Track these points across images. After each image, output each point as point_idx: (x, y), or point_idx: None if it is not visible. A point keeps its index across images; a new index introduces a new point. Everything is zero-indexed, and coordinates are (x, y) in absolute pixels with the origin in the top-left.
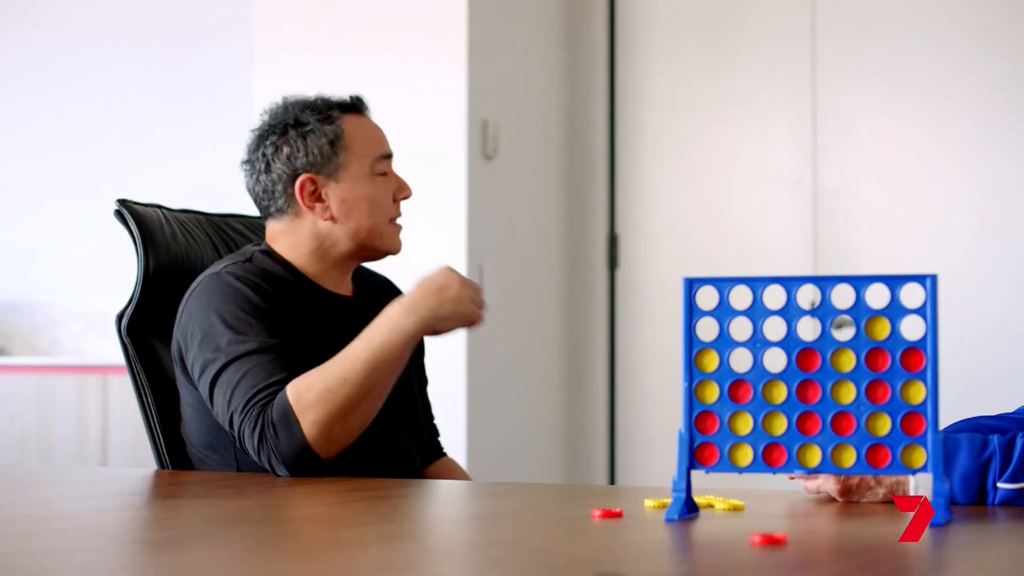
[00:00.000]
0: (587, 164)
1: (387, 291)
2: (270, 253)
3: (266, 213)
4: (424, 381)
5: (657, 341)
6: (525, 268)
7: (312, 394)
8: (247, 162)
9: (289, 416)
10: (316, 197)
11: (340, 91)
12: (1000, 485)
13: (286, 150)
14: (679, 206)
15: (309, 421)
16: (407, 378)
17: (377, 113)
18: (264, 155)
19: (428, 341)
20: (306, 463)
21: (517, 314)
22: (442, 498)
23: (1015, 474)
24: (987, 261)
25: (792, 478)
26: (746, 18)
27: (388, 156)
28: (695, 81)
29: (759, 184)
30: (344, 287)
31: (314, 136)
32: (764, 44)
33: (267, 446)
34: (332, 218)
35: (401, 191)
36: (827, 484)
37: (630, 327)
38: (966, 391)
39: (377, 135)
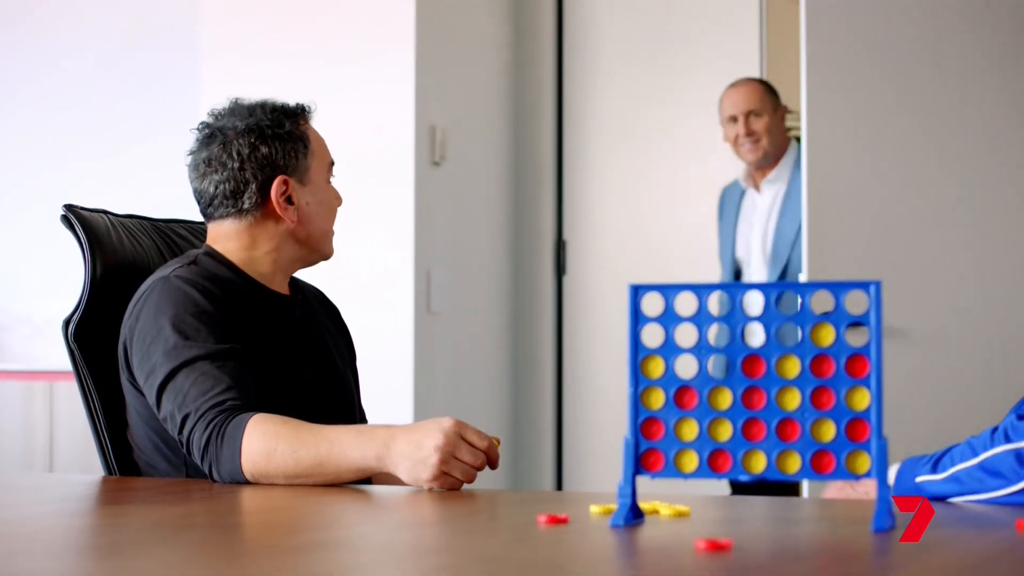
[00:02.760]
0: (534, 170)
1: (322, 300)
2: (213, 255)
3: (222, 213)
4: (359, 388)
5: (604, 347)
6: (472, 274)
7: (264, 441)
8: (208, 161)
9: (236, 441)
10: (287, 199)
11: (289, 98)
12: (919, 479)
13: (264, 150)
14: (626, 212)
15: (249, 460)
16: (347, 385)
17: (325, 120)
18: (238, 154)
19: (359, 346)
20: (239, 481)
21: (464, 320)
22: (388, 504)
23: (935, 466)
24: (940, 264)
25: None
26: (694, 26)
27: (334, 163)
28: (643, 88)
29: (707, 190)
30: (284, 287)
31: (290, 139)
32: (713, 51)
33: (210, 454)
34: (296, 221)
35: (339, 199)
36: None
37: (577, 333)
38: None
39: (325, 142)
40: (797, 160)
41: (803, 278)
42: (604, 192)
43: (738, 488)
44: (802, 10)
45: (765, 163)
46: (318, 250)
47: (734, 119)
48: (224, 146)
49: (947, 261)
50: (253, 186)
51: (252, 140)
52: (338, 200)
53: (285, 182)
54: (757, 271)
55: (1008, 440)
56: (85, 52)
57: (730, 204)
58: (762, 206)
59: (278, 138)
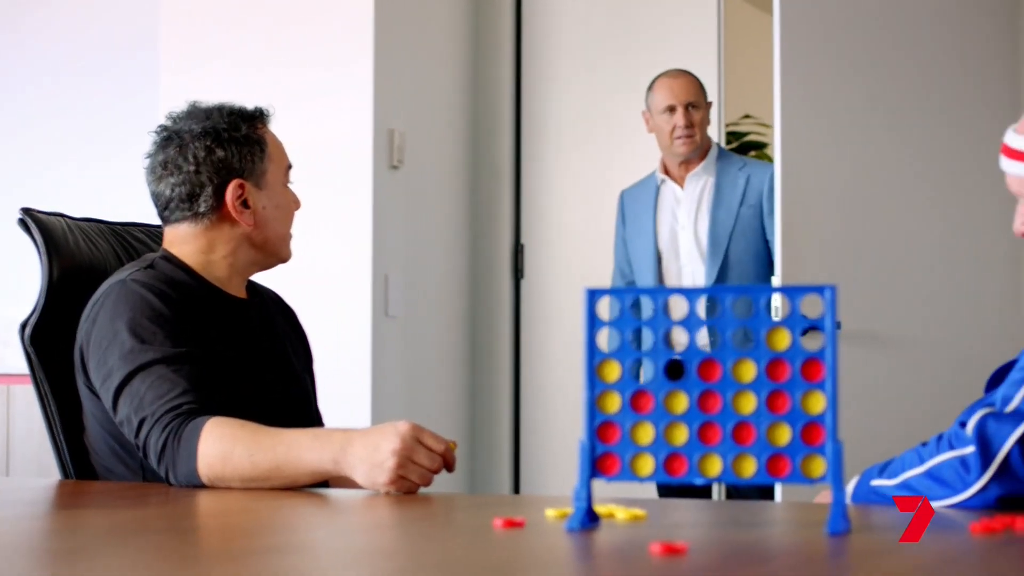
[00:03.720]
0: (493, 174)
1: (279, 304)
2: (170, 258)
3: (178, 217)
4: (315, 391)
5: (561, 350)
6: (431, 278)
7: (220, 444)
8: (165, 164)
9: (193, 445)
10: (243, 203)
11: (248, 102)
12: (873, 482)
13: (220, 154)
14: (584, 216)
15: (205, 463)
16: (303, 388)
17: (284, 123)
18: (194, 158)
19: (316, 349)
20: (195, 485)
21: (422, 324)
22: (344, 507)
23: (883, 470)
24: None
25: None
26: (652, 31)
27: (291, 167)
28: (601, 92)
29: None
30: (241, 291)
31: (247, 143)
32: (671, 56)
33: (166, 458)
34: (253, 224)
35: (297, 203)
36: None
37: (535, 336)
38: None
39: (283, 146)
40: (717, 157)
41: (776, 282)
42: (562, 196)
43: (728, 493)
44: (775, 15)
45: (692, 156)
46: (275, 254)
47: (672, 109)
48: (180, 149)
49: (916, 265)
50: (209, 189)
51: (208, 143)
52: (296, 204)
53: (241, 186)
54: (689, 264)
55: (952, 448)
56: (43, 56)
57: (642, 200)
58: (688, 200)
59: (234, 141)
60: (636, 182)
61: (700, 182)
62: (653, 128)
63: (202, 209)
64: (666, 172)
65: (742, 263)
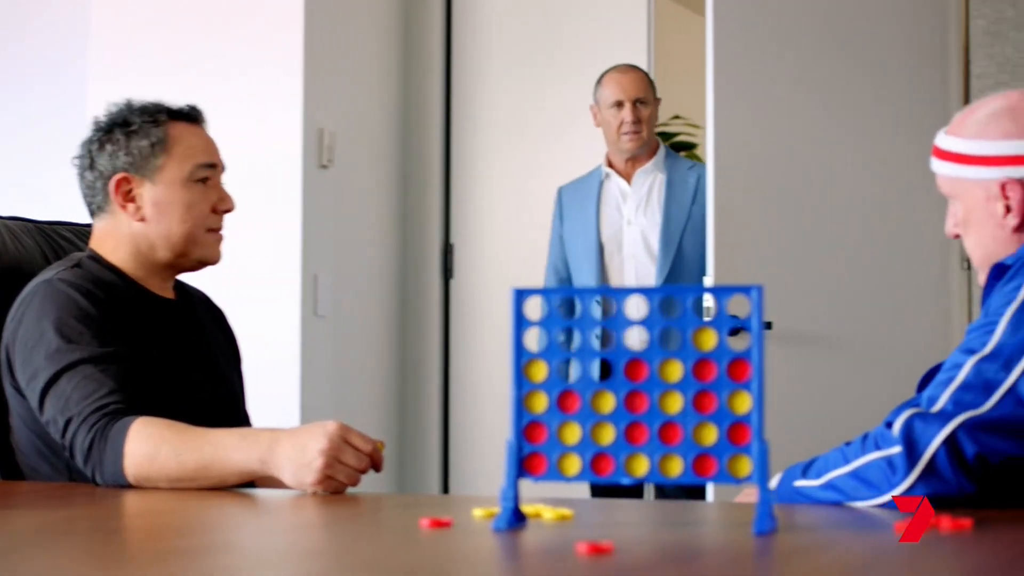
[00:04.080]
0: (422, 173)
1: (207, 304)
2: (97, 258)
3: (91, 212)
4: (243, 391)
5: (490, 350)
6: (360, 278)
7: (147, 444)
8: (80, 160)
9: (119, 445)
10: (129, 197)
11: (177, 101)
12: (796, 483)
13: (109, 148)
14: (513, 216)
15: (132, 463)
16: (231, 388)
17: (212, 122)
18: (90, 152)
19: (245, 349)
20: (122, 485)
21: (351, 324)
22: (272, 507)
23: (806, 471)
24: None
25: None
26: (582, 30)
27: (211, 165)
28: (530, 92)
29: None
30: (167, 292)
31: (137, 137)
32: (601, 56)
33: (93, 458)
34: (143, 219)
35: (222, 202)
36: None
37: (464, 336)
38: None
39: (204, 144)
40: (665, 156)
41: (708, 281)
42: (491, 196)
43: (659, 492)
44: (708, 15)
45: (640, 153)
46: (186, 253)
47: (620, 105)
48: (85, 145)
49: (848, 266)
50: (99, 184)
51: (100, 138)
52: (223, 203)
53: (127, 179)
54: (632, 259)
55: (878, 448)
56: None
57: (583, 194)
58: (635, 195)
59: (125, 135)
60: (576, 178)
61: (650, 178)
62: (600, 123)
63: (99, 203)
64: (611, 167)
65: (693, 260)
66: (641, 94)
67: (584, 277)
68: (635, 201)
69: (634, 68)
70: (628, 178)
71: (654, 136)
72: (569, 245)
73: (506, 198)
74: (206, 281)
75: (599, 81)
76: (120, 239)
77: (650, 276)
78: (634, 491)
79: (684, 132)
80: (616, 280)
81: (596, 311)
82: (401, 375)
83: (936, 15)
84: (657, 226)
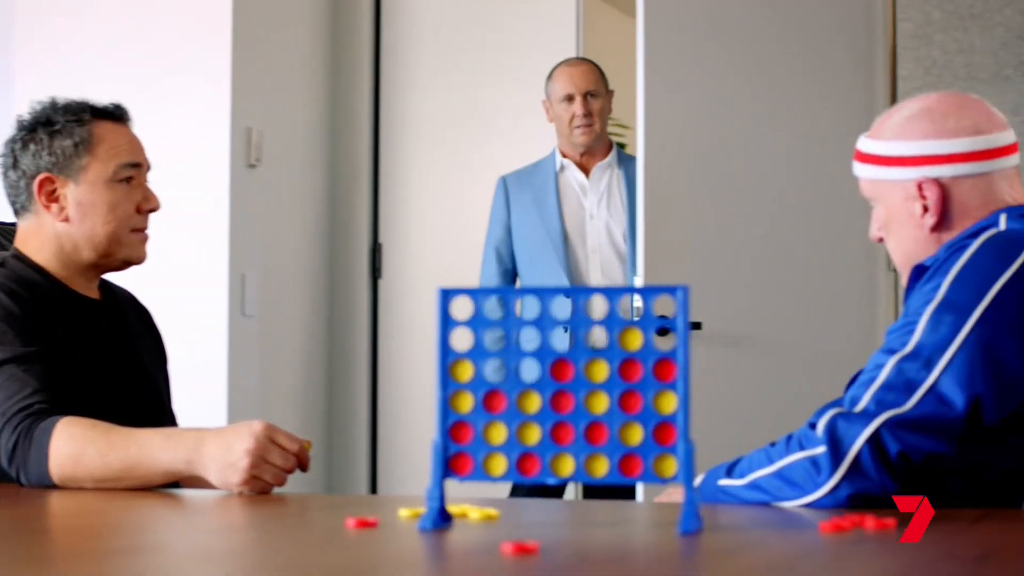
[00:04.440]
0: (351, 173)
1: (133, 304)
2: (21, 258)
3: (15, 211)
4: (169, 391)
5: (419, 350)
6: (288, 277)
7: (72, 444)
8: (3, 159)
9: (44, 445)
10: (53, 197)
11: (103, 98)
12: (720, 482)
13: (32, 147)
14: (442, 216)
15: (57, 463)
16: (156, 388)
17: (139, 120)
18: (13, 151)
19: (172, 349)
20: (47, 485)
21: (279, 323)
22: (197, 507)
23: (730, 471)
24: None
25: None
26: (512, 30)
27: (136, 165)
28: (460, 91)
29: None
30: (92, 292)
31: (60, 136)
32: (531, 56)
33: (17, 459)
34: (67, 219)
35: (147, 202)
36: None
37: (392, 336)
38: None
39: (129, 143)
40: (619, 152)
41: (639, 282)
42: (420, 195)
43: (586, 492)
44: (639, 16)
45: (593, 147)
46: (111, 253)
47: (571, 98)
48: (9, 144)
49: (776, 268)
50: (22, 183)
51: (23, 137)
52: (147, 203)
53: (50, 179)
54: (597, 253)
55: (802, 448)
56: None
57: (538, 184)
58: (594, 190)
59: (48, 135)
60: (522, 168)
61: (607, 173)
62: (553, 118)
63: (23, 203)
64: (567, 159)
65: None
66: (591, 87)
67: (543, 269)
68: (596, 195)
69: (584, 61)
70: (585, 171)
71: (607, 130)
72: (521, 235)
73: (435, 198)
74: (133, 281)
75: (549, 76)
76: (44, 239)
77: (615, 270)
78: (555, 491)
79: (614, 132)
80: (581, 273)
81: (565, 309)
82: (329, 375)
83: (864, 18)
84: (621, 221)
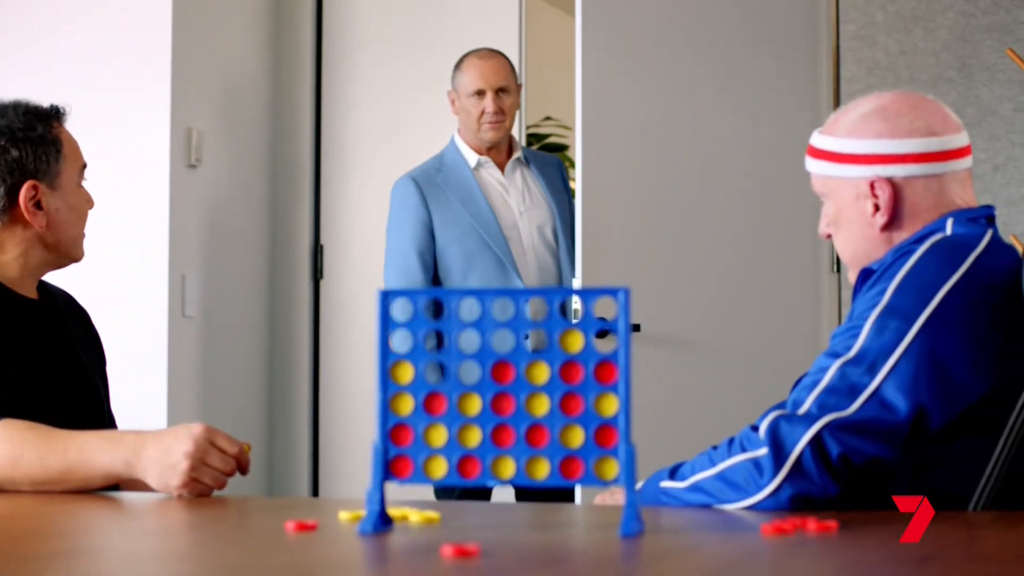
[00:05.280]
0: (292, 173)
1: (71, 304)
2: None
3: None
4: (107, 392)
5: (360, 352)
6: (228, 278)
7: (9, 447)
8: None
9: None
10: (36, 204)
11: (42, 97)
12: (662, 484)
13: (14, 154)
14: (384, 217)
15: None
16: (95, 390)
17: (79, 119)
18: None
19: (110, 351)
20: None
21: (219, 325)
22: (137, 510)
23: (673, 473)
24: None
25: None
26: (454, 28)
27: (86, 166)
28: (402, 90)
29: None
30: (31, 292)
31: (42, 143)
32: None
33: None
34: (46, 226)
35: (88, 202)
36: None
37: (334, 338)
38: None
39: (78, 145)
40: (522, 148)
41: (576, 283)
42: (362, 196)
43: (520, 495)
44: (577, 15)
45: (501, 143)
46: (68, 255)
47: (481, 94)
48: None
49: (718, 268)
50: (1, 190)
51: (2, 143)
52: (90, 203)
53: (35, 187)
54: (532, 251)
55: (744, 450)
56: None
57: (456, 183)
58: (513, 187)
59: (29, 141)
60: (424, 165)
61: (519, 168)
62: (459, 110)
63: None
64: (480, 154)
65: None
66: (503, 82)
67: (482, 272)
68: (516, 194)
69: (495, 54)
70: (500, 167)
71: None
72: (453, 238)
73: (378, 198)
74: (71, 281)
75: (458, 66)
76: (4, 243)
77: (550, 269)
78: (482, 494)
79: (556, 133)
80: (521, 273)
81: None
82: (270, 377)
83: (807, 20)
84: (549, 218)
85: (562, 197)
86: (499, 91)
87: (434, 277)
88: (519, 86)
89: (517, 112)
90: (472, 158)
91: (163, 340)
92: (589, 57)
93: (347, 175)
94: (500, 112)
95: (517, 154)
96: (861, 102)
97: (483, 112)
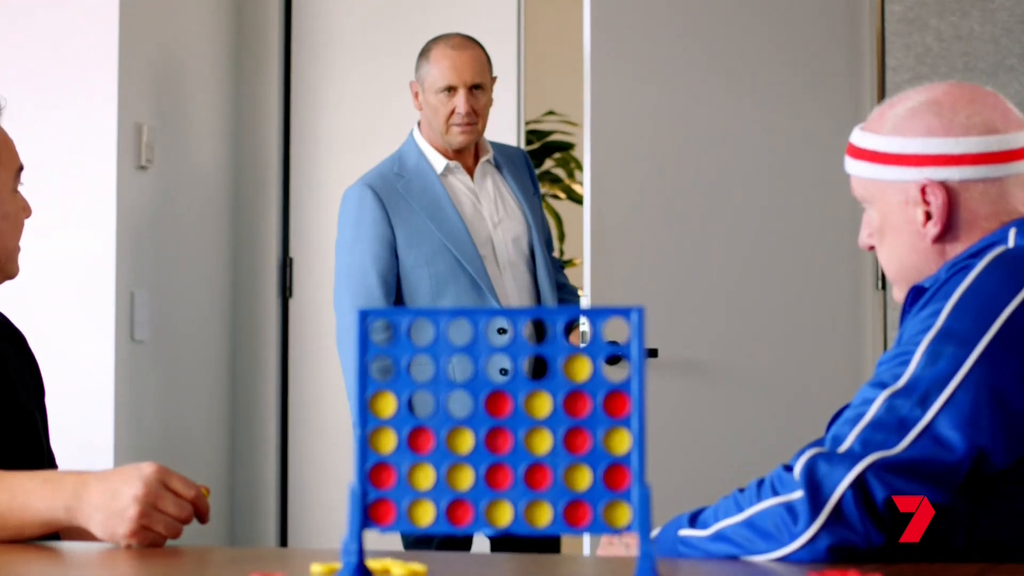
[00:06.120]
0: (257, 177)
1: (5, 327)
2: None
3: None
4: (47, 427)
5: (334, 381)
6: (185, 296)
7: None
8: None
9: None
10: None
11: None
12: (681, 532)
13: None
14: None
15: None
16: (32, 424)
17: (12, 116)
18: None
19: (50, 380)
20: None
21: (175, 349)
22: (78, 563)
23: (693, 520)
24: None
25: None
26: (444, 17)
27: (23, 168)
28: (383, 87)
29: None
30: None
31: None
32: None
33: None
34: None
35: (25, 210)
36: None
37: (304, 364)
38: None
39: (13, 144)
40: (492, 144)
41: (585, 302)
42: (337, 203)
43: (495, 544)
44: (585, 8)
45: (471, 146)
46: (1, 270)
47: (452, 90)
48: None
49: (745, 285)
50: None
51: None
52: (26, 211)
53: None
54: (509, 268)
55: (775, 493)
56: None
57: (420, 191)
58: (485, 194)
59: None
60: (380, 169)
61: (489, 174)
62: (423, 105)
63: None
64: (447, 157)
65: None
66: (478, 78)
67: (454, 295)
68: (487, 200)
69: (469, 43)
70: (468, 172)
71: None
72: (419, 256)
73: None
74: (3, 300)
75: (424, 54)
76: None
77: (527, 288)
78: (459, 543)
79: (560, 131)
80: (501, 295)
81: (497, 337)
82: (232, 409)
83: (847, 1)
84: (524, 229)
85: (533, 200)
86: (473, 88)
87: (397, 302)
88: (494, 79)
89: (510, 107)
90: (439, 162)
91: (109, 367)
92: (598, 43)
93: (321, 178)
94: (473, 113)
95: (487, 156)
96: (910, 95)
97: (453, 112)
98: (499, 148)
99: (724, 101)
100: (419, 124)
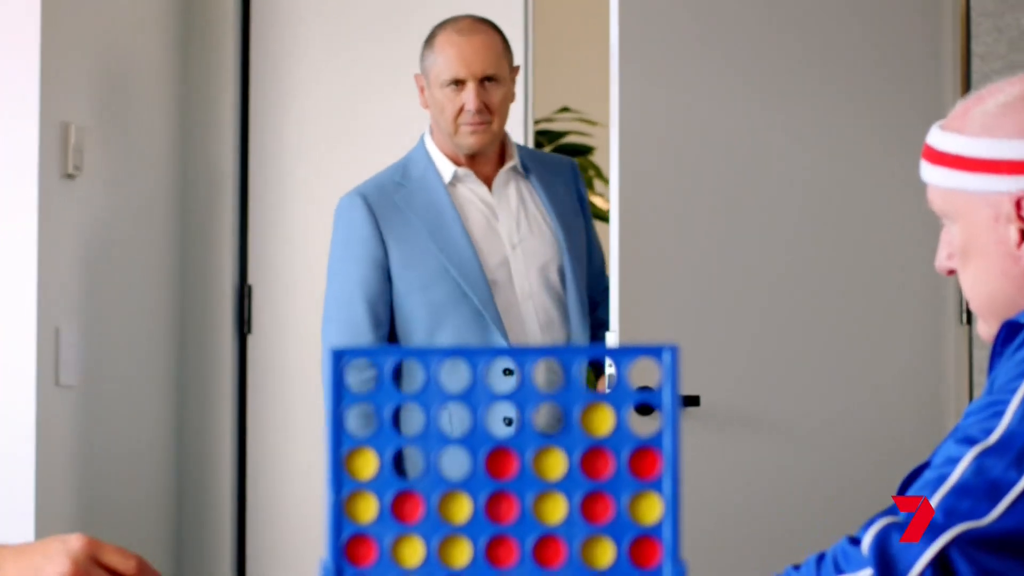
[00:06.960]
0: (209, 189)
1: None
2: None
3: None
4: None
5: (300, 429)
6: (121, 333)
7: None
8: None
9: None
10: None
11: None
12: None
13: None
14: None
15: None
16: None
17: None
18: None
19: None
20: None
21: (109, 396)
22: None
23: None
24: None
25: None
26: (432, 18)
27: None
28: (359, 83)
29: None
30: None
31: None
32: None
33: None
34: None
35: None
36: None
37: (267, 413)
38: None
39: None
40: (517, 145)
41: (611, 339)
42: (304, 221)
43: None
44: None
45: (488, 149)
46: None
47: (460, 84)
48: None
49: (800, 320)
50: None
51: None
52: None
53: None
54: (530, 299)
55: (839, 571)
56: None
57: (422, 203)
58: (505, 209)
59: None
60: (380, 177)
61: (513, 184)
62: (429, 102)
63: None
64: (457, 163)
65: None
66: (492, 69)
67: (454, 330)
68: (508, 215)
69: (480, 26)
70: (487, 182)
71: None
72: (414, 282)
73: (325, 224)
74: None
75: (429, 42)
76: None
77: (556, 322)
78: None
79: (575, 131)
80: (516, 331)
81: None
82: (179, 466)
83: None
84: (555, 254)
85: (573, 219)
86: (485, 80)
87: (390, 335)
88: (515, 69)
89: (517, 104)
90: (447, 169)
91: (30, 417)
92: (627, 32)
93: (284, 192)
94: (485, 110)
95: (512, 163)
96: (999, 88)
97: (461, 109)
98: (538, 157)
99: (779, 101)
100: (430, 127)
